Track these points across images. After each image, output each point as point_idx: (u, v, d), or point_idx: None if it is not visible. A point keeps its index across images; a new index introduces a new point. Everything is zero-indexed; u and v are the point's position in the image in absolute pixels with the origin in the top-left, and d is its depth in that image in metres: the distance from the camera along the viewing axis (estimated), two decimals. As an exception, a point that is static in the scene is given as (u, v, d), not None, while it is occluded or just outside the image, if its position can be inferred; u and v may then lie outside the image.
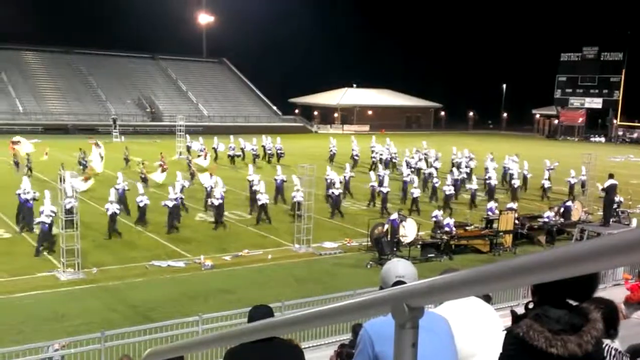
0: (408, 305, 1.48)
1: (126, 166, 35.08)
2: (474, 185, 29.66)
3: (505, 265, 1.26)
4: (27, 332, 13.23)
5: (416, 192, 27.21)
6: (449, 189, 27.97)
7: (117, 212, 21.60)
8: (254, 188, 25.55)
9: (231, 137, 42.17)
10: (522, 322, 2.15)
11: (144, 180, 29.61)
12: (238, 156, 40.43)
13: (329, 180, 28.35)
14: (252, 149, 40.75)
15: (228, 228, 23.31)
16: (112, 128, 56.89)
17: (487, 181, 31.19)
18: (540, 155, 40.23)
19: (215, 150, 40.74)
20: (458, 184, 31.57)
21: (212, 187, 24.87)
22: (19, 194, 22.13)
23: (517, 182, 31.47)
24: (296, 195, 24.08)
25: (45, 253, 19.26)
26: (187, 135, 43.13)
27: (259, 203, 24.11)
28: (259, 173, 29.28)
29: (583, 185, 31.21)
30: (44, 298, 15.81)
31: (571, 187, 31.58)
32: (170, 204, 22.42)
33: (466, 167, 35.71)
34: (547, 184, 32.15)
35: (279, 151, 41.91)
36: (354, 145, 41.89)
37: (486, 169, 34.18)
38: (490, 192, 30.10)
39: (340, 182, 28.00)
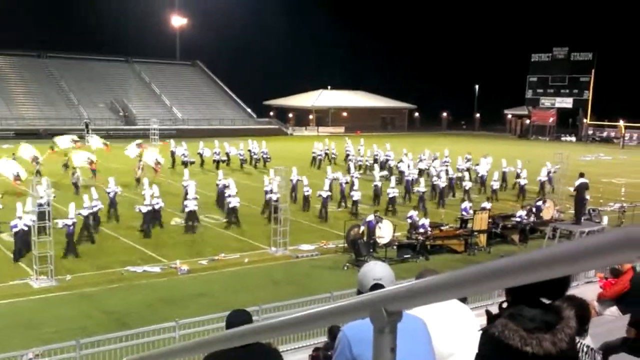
0: (386, 310, 1.49)
1: (64, 172, 33.17)
2: (422, 187, 28.54)
3: (483, 269, 1.27)
4: (0, 341, 12.99)
5: (356, 195, 26.62)
6: (393, 192, 27.51)
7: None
8: (189, 195, 24.07)
9: (216, 141, 41.49)
10: (497, 322, 2.17)
11: (76, 185, 28.97)
12: (223, 161, 39.81)
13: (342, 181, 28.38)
14: (239, 154, 40.33)
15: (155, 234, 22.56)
16: (85, 132, 56.13)
17: (434, 182, 30.88)
18: (513, 155, 40.65)
19: (200, 155, 40.04)
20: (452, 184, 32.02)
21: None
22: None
23: (468, 184, 31.19)
24: (231, 201, 23.87)
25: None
26: (172, 140, 42.37)
27: (186, 210, 23.25)
28: (245, 179, 29.04)
29: (542, 186, 32.23)
30: (17, 306, 15.54)
31: (521, 188, 32.10)
32: (85, 212, 21.09)
33: (419, 167, 35.41)
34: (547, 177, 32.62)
35: (264, 156, 41.62)
36: (349, 147, 42.24)
37: (434, 169, 34.22)
38: (440, 195, 29.86)
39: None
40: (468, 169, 35.66)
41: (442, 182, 30.38)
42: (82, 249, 20.51)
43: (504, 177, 34.32)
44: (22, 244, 19.25)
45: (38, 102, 66.60)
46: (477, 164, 36.24)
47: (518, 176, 33.71)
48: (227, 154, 40.68)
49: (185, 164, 38.02)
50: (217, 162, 39.18)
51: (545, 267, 1.17)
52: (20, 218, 19.21)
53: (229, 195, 24.30)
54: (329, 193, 26.71)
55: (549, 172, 33.68)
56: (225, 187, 25.81)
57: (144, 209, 22.52)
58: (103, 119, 65.55)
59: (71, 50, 76.91)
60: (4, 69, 70.37)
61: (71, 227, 19.53)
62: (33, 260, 17.34)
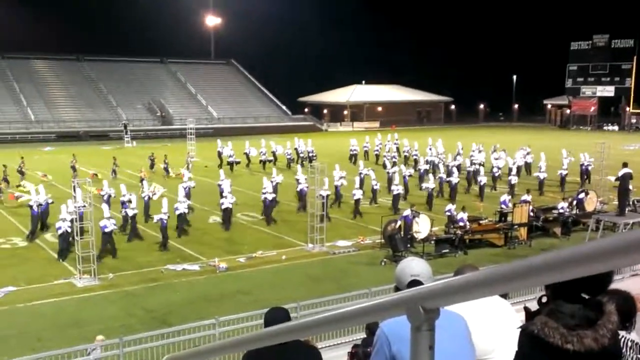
0: (423, 307, 1.46)
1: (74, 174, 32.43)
2: (430, 184, 27.73)
3: (523, 265, 1.22)
4: (46, 340, 13.32)
5: (357, 194, 25.99)
6: (397, 189, 26.75)
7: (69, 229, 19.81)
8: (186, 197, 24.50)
9: (262, 140, 41.38)
10: (536, 319, 2.12)
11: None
12: (270, 161, 39.56)
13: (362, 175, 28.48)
14: (286, 153, 40.36)
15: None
16: (124, 133, 57.16)
17: (447, 178, 29.82)
18: (553, 146, 39.88)
19: (247, 155, 40.08)
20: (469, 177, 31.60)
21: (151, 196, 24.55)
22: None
23: (483, 180, 29.97)
24: (224, 202, 23.86)
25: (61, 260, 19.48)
26: (219, 140, 42.40)
27: (177, 212, 22.79)
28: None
29: (563, 179, 31.59)
30: (61, 305, 15.93)
31: (541, 182, 31.31)
32: (66, 225, 19.71)
33: (427, 162, 34.60)
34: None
35: (310, 154, 41.55)
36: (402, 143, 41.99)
37: (447, 165, 33.51)
38: (451, 191, 28.77)
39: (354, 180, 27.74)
40: (482, 164, 34.17)
41: (454, 179, 29.16)
42: (122, 248, 20.90)
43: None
44: (66, 244, 19.89)
45: (78, 104, 67.99)
46: (497, 158, 35.47)
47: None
48: (274, 153, 40.68)
49: (231, 164, 38.15)
50: (263, 162, 38.89)
51: (590, 262, 1.12)
52: (63, 220, 19.66)
53: (225, 197, 24.04)
54: (329, 192, 25.68)
55: (582, 165, 32.94)
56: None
57: (130, 212, 22.40)
58: (141, 120, 66.60)
59: (108, 53, 78.37)
60: (44, 73, 72.08)
61: (165, 221, 20.71)
62: (76, 259, 17.72)
